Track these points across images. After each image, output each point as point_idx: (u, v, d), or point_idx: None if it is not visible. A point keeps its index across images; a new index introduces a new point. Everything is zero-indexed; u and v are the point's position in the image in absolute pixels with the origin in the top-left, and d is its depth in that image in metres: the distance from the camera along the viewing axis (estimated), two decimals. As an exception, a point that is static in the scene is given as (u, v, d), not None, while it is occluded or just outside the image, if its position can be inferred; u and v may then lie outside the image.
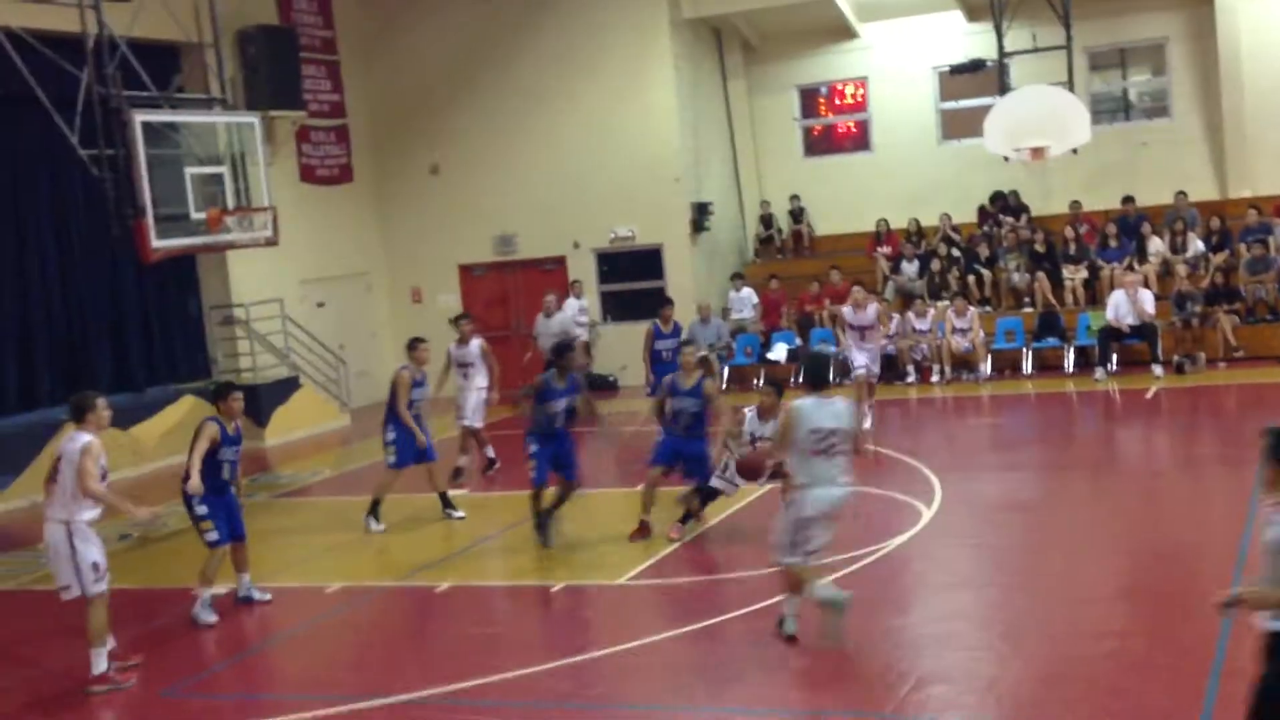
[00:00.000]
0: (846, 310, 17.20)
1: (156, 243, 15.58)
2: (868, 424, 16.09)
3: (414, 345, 14.18)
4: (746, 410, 12.14)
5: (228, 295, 21.42)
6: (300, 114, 22.36)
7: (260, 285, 21.52)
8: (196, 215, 16.12)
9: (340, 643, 10.58)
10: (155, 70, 17.41)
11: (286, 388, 21.34)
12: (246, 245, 17.63)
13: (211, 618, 10.92)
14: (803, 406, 8.87)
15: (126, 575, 11.92)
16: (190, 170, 16.12)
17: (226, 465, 11.07)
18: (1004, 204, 23.03)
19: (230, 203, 16.62)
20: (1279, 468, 5.73)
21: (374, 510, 13.93)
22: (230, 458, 11.08)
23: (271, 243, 17.56)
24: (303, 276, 22.80)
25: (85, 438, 9.53)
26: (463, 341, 15.85)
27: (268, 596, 11.50)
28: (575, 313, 23.31)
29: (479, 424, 15.98)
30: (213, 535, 10.96)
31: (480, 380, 15.76)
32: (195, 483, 10.75)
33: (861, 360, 16.89)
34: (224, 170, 16.70)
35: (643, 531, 12.31)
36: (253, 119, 17.58)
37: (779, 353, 21.79)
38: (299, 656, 10.42)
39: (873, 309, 17.05)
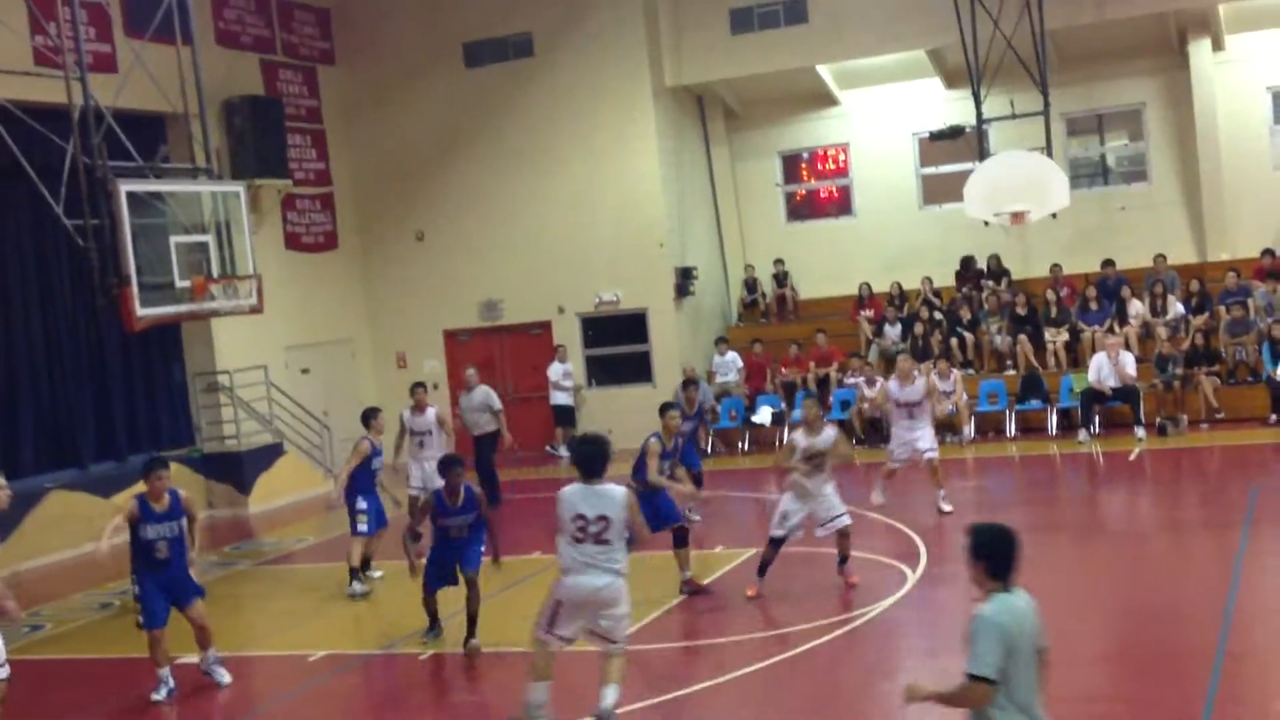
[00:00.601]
0: (892, 385, 15.69)
1: (141, 311, 15.55)
2: (947, 507, 15.22)
3: (372, 415, 14.56)
4: (795, 435, 12.42)
5: (212, 362, 21.43)
6: (285, 182, 22.51)
7: (245, 352, 21.54)
8: (181, 283, 16.11)
9: (324, 711, 10.49)
10: (141, 140, 17.48)
11: (270, 454, 21.29)
12: (231, 313, 17.61)
13: (160, 695, 10.67)
14: (566, 492, 8.78)
15: (108, 645, 11.84)
16: (175, 239, 16.13)
17: (162, 544, 10.58)
18: (976, 270, 23.19)
19: (215, 271, 16.63)
20: (978, 565, 5.68)
21: (355, 576, 14.02)
22: (161, 535, 10.58)
23: (256, 310, 17.55)
24: (287, 343, 22.83)
25: None
26: (418, 409, 15.80)
27: (226, 678, 11.08)
28: (560, 376, 23.41)
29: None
30: (140, 618, 10.72)
31: (435, 450, 15.55)
32: (102, 548, 10.46)
33: (921, 444, 15.34)
34: (209, 239, 16.71)
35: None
36: (238, 188, 17.65)
37: (764, 416, 21.83)
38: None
39: (921, 383, 15.57)
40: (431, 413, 15.93)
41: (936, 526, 14.84)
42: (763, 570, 12.25)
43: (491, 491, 17.25)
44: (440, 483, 15.76)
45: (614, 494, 8.79)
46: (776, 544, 12.26)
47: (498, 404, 18.61)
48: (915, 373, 15.81)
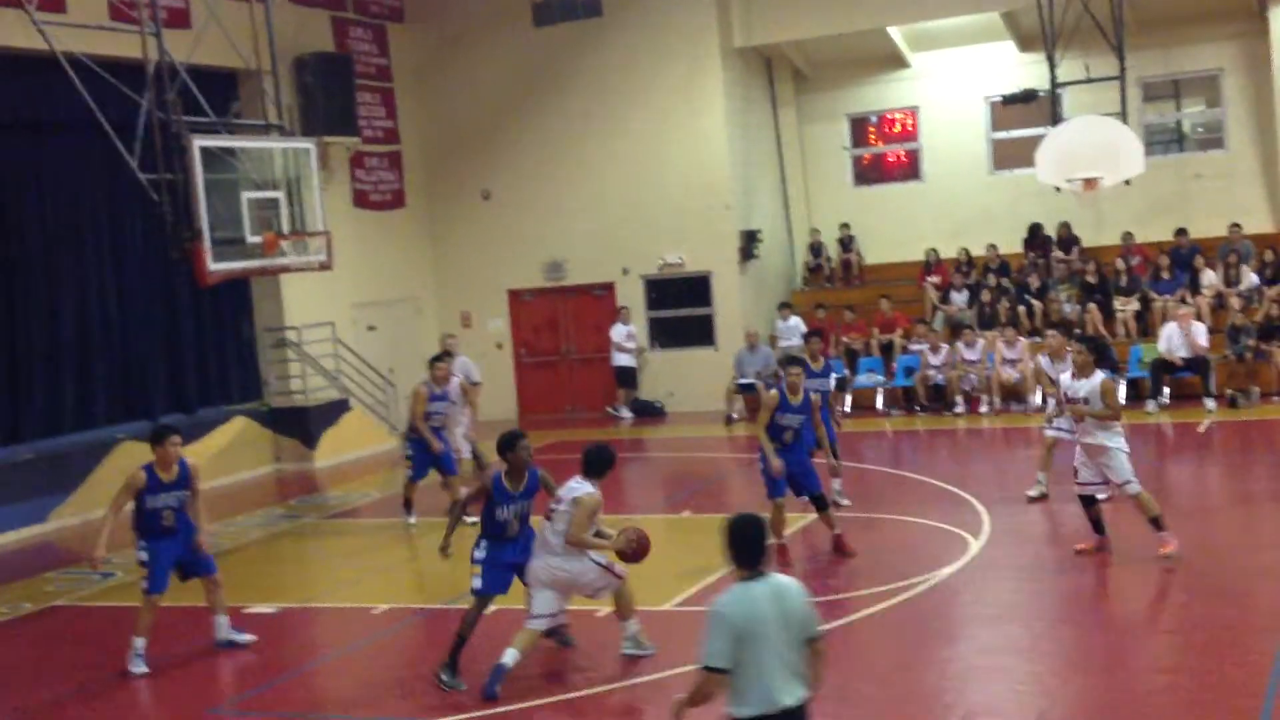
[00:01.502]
0: (1044, 361, 14.43)
1: (213, 266, 15.79)
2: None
3: (434, 363, 15.09)
4: (1062, 375, 11.94)
5: (280, 318, 21.67)
6: (355, 140, 22.65)
7: (312, 308, 21.77)
8: (252, 239, 16.33)
9: (387, 664, 10.64)
10: (214, 96, 17.70)
11: (336, 410, 21.54)
12: (300, 269, 17.84)
13: (142, 668, 10.52)
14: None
15: (175, 594, 12.04)
16: (247, 195, 16.33)
17: (168, 512, 10.56)
18: (1044, 237, 22.90)
19: (285, 227, 16.82)
20: (727, 555, 5.89)
21: (407, 508, 15.06)
22: (166, 504, 10.55)
23: (325, 267, 17.75)
24: (354, 300, 23.03)
25: None
26: (441, 381, 15.17)
27: (250, 638, 11.07)
28: (623, 338, 23.45)
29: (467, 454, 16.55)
30: (144, 583, 10.57)
31: (462, 420, 16.24)
32: (100, 550, 10.39)
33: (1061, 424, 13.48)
34: (279, 195, 16.91)
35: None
36: (308, 145, 17.81)
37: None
38: (345, 677, 10.49)
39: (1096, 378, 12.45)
40: (455, 383, 15.70)
41: (998, 494, 14.73)
42: (1098, 527, 11.77)
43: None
44: (465, 452, 16.06)
45: (575, 485, 9.56)
46: (1084, 502, 11.80)
47: (477, 376, 18.30)
48: (1069, 351, 12.81)
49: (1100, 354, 11.52)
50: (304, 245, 17.04)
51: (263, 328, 21.85)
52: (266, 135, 17.74)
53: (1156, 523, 11.44)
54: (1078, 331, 15.11)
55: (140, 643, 10.57)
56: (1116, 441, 11.48)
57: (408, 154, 24.70)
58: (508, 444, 9.76)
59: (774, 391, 12.37)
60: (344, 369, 22.18)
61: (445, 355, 15.50)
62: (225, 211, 16.06)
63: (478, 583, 9.81)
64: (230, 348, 21.61)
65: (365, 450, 21.47)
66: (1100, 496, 11.88)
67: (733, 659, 5.71)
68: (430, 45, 24.84)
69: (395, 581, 13.33)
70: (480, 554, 9.84)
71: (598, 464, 9.67)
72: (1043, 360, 14.69)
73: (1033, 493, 14.14)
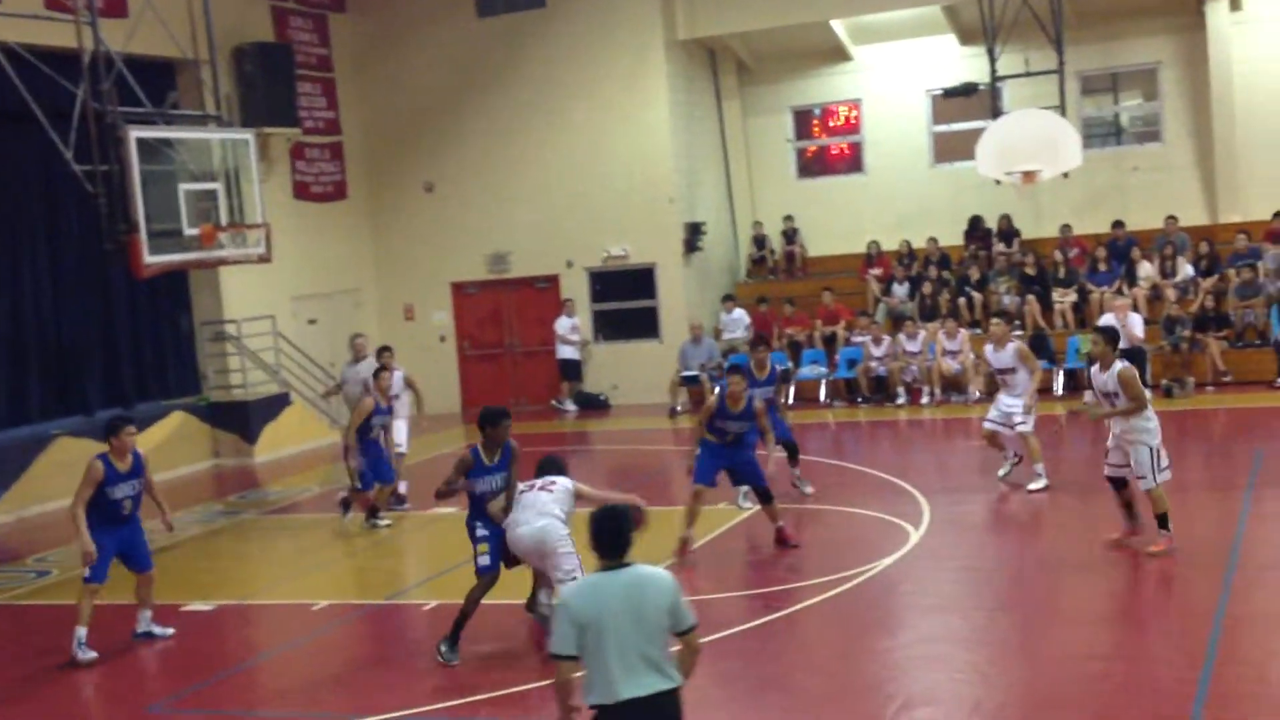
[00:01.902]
0: (988, 349, 14.64)
1: (149, 258, 15.58)
2: (1002, 472, 14.56)
3: (378, 375, 14.84)
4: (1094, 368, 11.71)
5: (219, 311, 21.44)
6: (295, 131, 22.42)
7: (252, 301, 21.55)
8: (190, 231, 16.13)
9: (327, 660, 10.56)
10: (151, 86, 17.44)
11: (277, 404, 21.34)
12: (239, 261, 17.64)
13: (90, 655, 10.52)
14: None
15: (113, 591, 11.90)
16: (184, 186, 16.13)
17: (127, 501, 10.67)
18: (984, 229, 23.12)
19: (224, 219, 16.63)
20: (592, 546, 5.96)
21: (372, 514, 14.63)
22: (126, 494, 10.65)
23: (264, 259, 17.57)
24: (295, 293, 22.82)
25: None
26: (385, 394, 14.97)
27: (169, 631, 11.09)
28: (567, 331, 23.41)
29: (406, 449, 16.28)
30: (86, 572, 10.56)
31: (405, 410, 16.12)
32: (85, 541, 10.39)
33: (993, 414, 14.36)
34: (218, 186, 16.71)
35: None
36: (247, 135, 17.62)
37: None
38: (285, 674, 10.40)
39: (1011, 348, 14.20)
40: (399, 375, 15.63)
41: (938, 485, 14.85)
42: (1129, 513, 11.59)
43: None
44: (401, 446, 15.85)
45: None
46: (1114, 485, 11.67)
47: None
48: (1009, 340, 14.35)
49: (1116, 343, 11.37)
50: (243, 237, 16.86)
51: (201, 321, 21.61)
52: (204, 126, 17.53)
53: (1162, 520, 11.27)
54: (1100, 325, 14.97)
55: (82, 632, 10.53)
56: (1145, 433, 11.19)
57: (349, 145, 24.49)
58: (491, 419, 10.05)
59: (714, 398, 12.36)
60: (284, 363, 21.97)
61: (382, 370, 14.93)
62: (162, 203, 15.85)
63: (485, 560, 10.00)
64: (168, 341, 21.36)
65: (306, 445, 21.29)
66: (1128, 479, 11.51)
67: (578, 647, 5.80)
68: (372, 35, 24.65)
69: (335, 577, 13.24)
70: (483, 531, 10.02)
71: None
72: (987, 349, 14.81)
73: (1002, 472, 14.57)
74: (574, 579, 9.27)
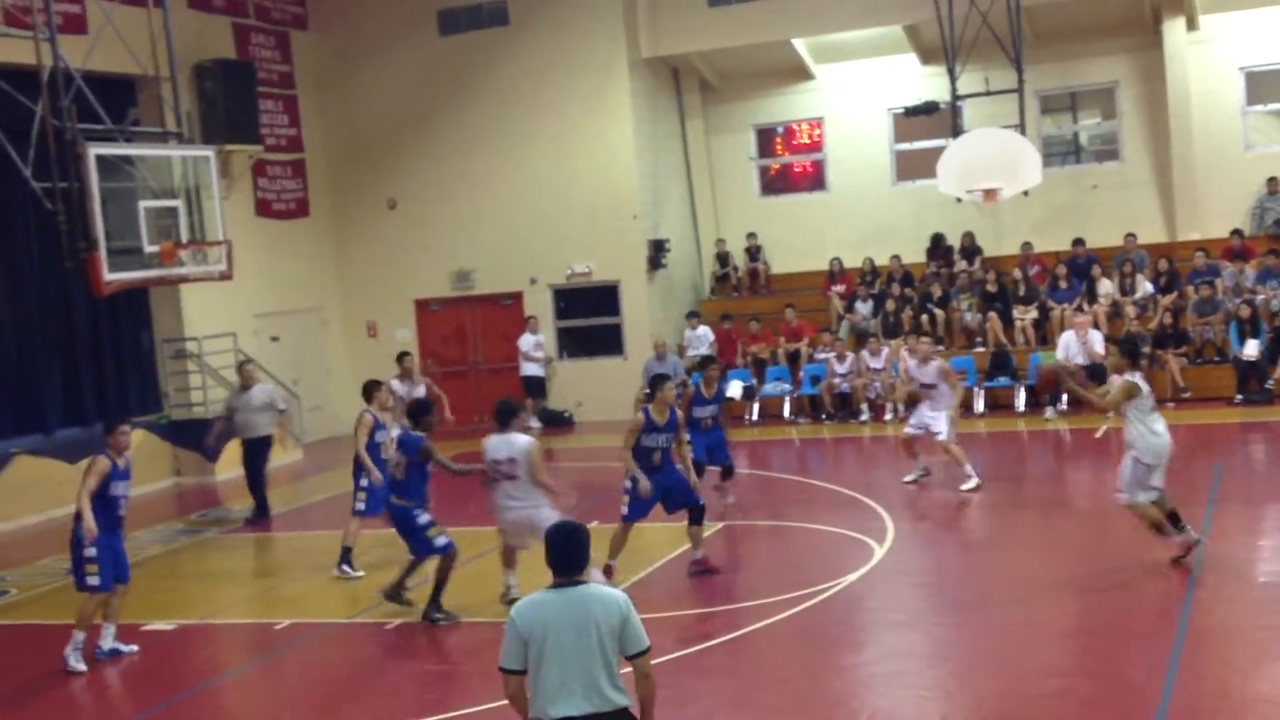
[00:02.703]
0: (911, 364, 15.63)
1: (109, 275, 15.44)
2: (910, 477, 15.52)
3: (374, 388, 13.85)
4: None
5: (180, 329, 21.28)
6: (257, 148, 22.33)
7: (214, 319, 21.41)
8: (150, 248, 16.00)
9: (290, 680, 10.49)
10: (111, 103, 17.30)
11: (239, 422, 21.14)
12: (200, 279, 17.50)
13: (82, 665, 10.57)
14: (486, 442, 11.15)
15: (72, 611, 11.76)
16: (144, 204, 16.01)
17: (123, 501, 10.85)
18: (946, 247, 23.28)
19: (184, 236, 16.51)
20: (547, 561, 6.01)
21: (345, 558, 13.39)
22: (122, 492, 10.81)
23: (225, 276, 17.45)
24: (257, 310, 22.70)
25: None
26: (407, 377, 16.11)
27: (134, 649, 11.08)
28: (531, 348, 23.37)
29: None
30: (95, 580, 10.60)
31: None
32: (89, 523, 10.41)
33: (914, 421, 15.39)
34: (179, 204, 16.58)
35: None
36: (208, 153, 17.51)
37: (735, 390, 21.81)
38: (248, 694, 10.32)
39: (934, 365, 15.22)
40: (422, 382, 16.35)
41: (902, 501, 14.92)
42: (1175, 522, 11.32)
43: (261, 504, 16.77)
44: None
45: (519, 441, 11.03)
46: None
47: (282, 404, 17.07)
48: (932, 359, 15.35)
49: (1132, 356, 11.41)
50: (204, 255, 16.73)
51: (162, 338, 21.44)
52: (165, 143, 17.41)
53: (1158, 529, 11.25)
54: (1129, 332, 15.49)
55: (80, 636, 10.64)
56: (1134, 449, 11.15)
57: (311, 162, 24.41)
58: (423, 410, 11.49)
59: (639, 414, 11.89)
60: (247, 380, 21.79)
61: (377, 384, 14.08)
62: (123, 220, 15.72)
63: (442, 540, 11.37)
64: (129, 359, 21.18)
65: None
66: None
67: (522, 662, 5.83)
68: (334, 53, 24.60)
69: (297, 596, 13.13)
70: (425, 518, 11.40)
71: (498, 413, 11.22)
72: (910, 364, 15.66)
73: (909, 477, 15.43)
74: None
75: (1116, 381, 11.31)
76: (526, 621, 5.81)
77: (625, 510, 11.87)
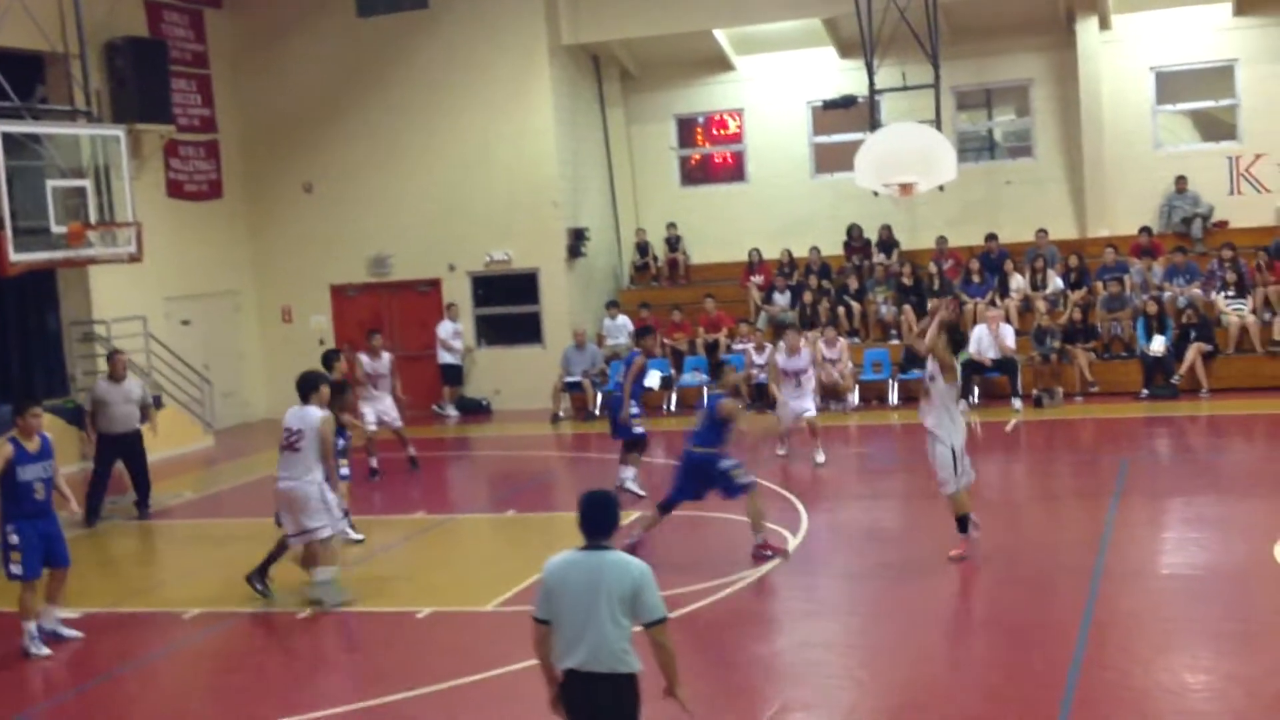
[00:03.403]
0: (780, 357, 17.13)
1: (15, 256, 15.18)
2: (821, 458, 16.61)
3: (334, 358, 14.51)
4: None
5: (89, 311, 20.85)
6: (169, 128, 21.92)
7: (123, 302, 20.99)
8: (57, 229, 15.74)
9: (198, 670, 10.34)
10: (18, 80, 16.93)
11: (149, 407, 20.79)
12: (109, 260, 17.23)
13: (44, 650, 10.49)
14: (288, 413, 11.30)
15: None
16: (52, 183, 15.73)
17: (39, 485, 10.52)
18: (864, 239, 23.48)
19: (93, 217, 16.24)
20: (579, 525, 6.33)
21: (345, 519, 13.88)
22: (37, 475, 10.51)
23: (135, 258, 17.18)
24: (168, 293, 22.30)
25: None
26: (375, 354, 17.33)
27: (78, 634, 10.93)
28: (450, 335, 23.23)
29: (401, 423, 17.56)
30: (17, 569, 10.40)
31: (385, 392, 17.35)
32: None
33: (801, 406, 16.79)
34: (87, 184, 16.31)
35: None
36: (118, 132, 17.23)
37: (653, 380, 21.87)
38: (154, 684, 10.15)
39: (806, 354, 17.04)
40: (387, 358, 17.36)
41: (817, 492, 15.04)
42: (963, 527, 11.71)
43: (144, 498, 16.33)
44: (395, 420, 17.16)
45: (312, 413, 11.15)
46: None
47: (149, 396, 16.64)
48: (801, 344, 17.04)
49: (912, 355, 11.98)
50: (112, 236, 16.49)
51: (69, 321, 20.99)
52: (73, 121, 17.08)
53: (964, 523, 11.70)
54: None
55: (33, 626, 10.53)
56: (944, 438, 11.58)
57: (226, 144, 24.03)
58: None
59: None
60: (157, 365, 21.45)
61: (335, 354, 14.63)
62: (29, 200, 15.46)
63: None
64: (35, 342, 20.74)
65: (180, 449, 20.78)
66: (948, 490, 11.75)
67: (548, 614, 6.19)
68: (250, 32, 24.22)
69: (207, 585, 12.94)
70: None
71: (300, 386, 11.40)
72: (779, 356, 17.06)
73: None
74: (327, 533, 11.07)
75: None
76: (551, 577, 6.21)
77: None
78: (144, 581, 13.39)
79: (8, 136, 15.09)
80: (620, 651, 6.08)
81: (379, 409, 17.21)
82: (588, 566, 6.14)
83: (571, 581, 6.13)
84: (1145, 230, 22.01)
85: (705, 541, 13.09)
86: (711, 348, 22.62)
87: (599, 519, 6.26)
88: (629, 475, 14.77)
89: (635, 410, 14.97)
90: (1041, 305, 21.14)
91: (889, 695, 8.80)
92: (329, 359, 14.33)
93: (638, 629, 6.14)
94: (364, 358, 17.36)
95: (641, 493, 14.74)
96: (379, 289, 24.36)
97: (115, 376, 15.78)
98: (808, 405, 16.82)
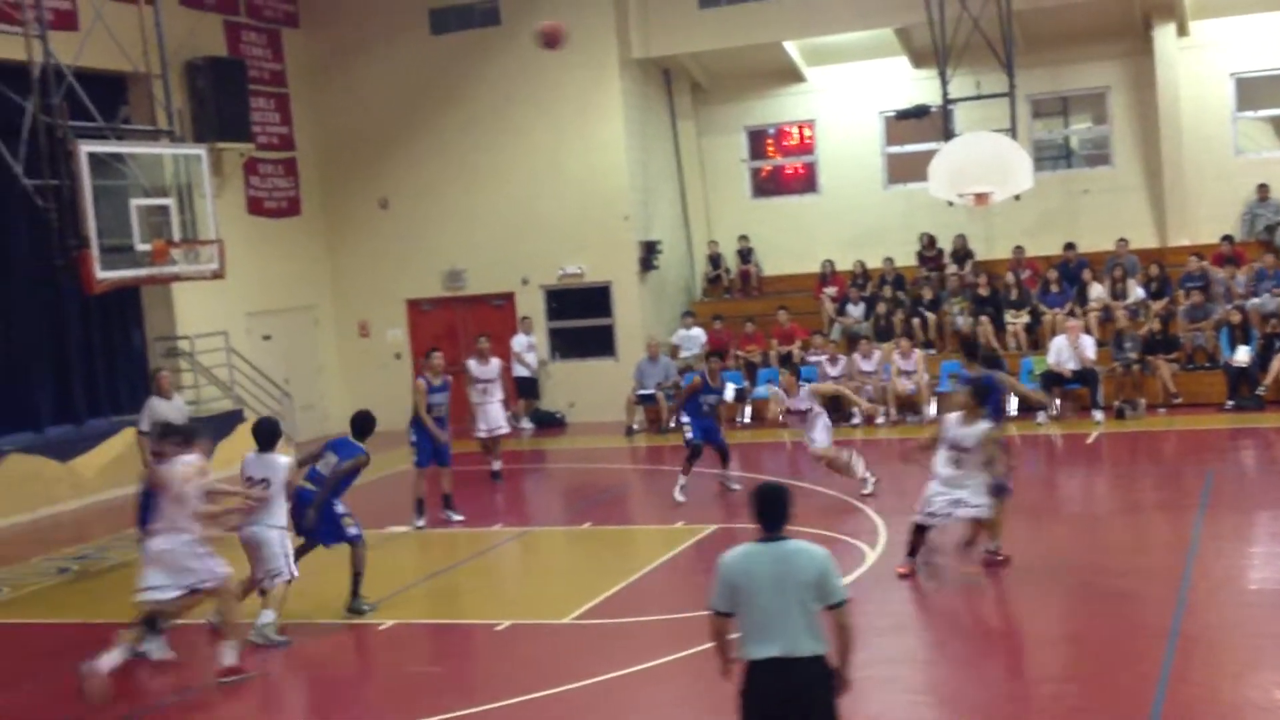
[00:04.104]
0: (782, 396, 16.10)
1: (101, 274, 15.46)
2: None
3: (430, 355, 15.59)
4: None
5: (172, 327, 21.24)
6: (248, 146, 22.29)
7: (205, 318, 21.36)
8: (142, 247, 16.02)
9: (280, 682, 10.45)
10: (102, 100, 17.31)
11: (230, 421, 21.05)
12: (192, 277, 17.52)
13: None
14: (247, 460, 11.38)
15: (62, 610, 11.73)
16: (136, 202, 16.02)
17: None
18: (938, 250, 23.31)
19: (176, 234, 16.53)
20: (754, 517, 6.54)
21: (418, 508, 15.03)
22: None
23: (217, 275, 17.46)
24: (249, 309, 22.66)
25: None
26: (483, 359, 17.57)
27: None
28: (524, 349, 23.35)
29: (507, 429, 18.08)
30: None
31: (495, 397, 17.55)
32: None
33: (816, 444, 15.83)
34: (170, 202, 16.60)
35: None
36: (199, 151, 17.53)
37: (727, 392, 21.85)
38: (240, 696, 10.28)
39: (804, 391, 15.78)
40: (495, 363, 17.62)
41: (898, 508, 14.91)
42: (913, 551, 11.82)
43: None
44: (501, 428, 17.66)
45: (280, 460, 11.22)
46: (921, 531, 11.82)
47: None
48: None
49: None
50: (195, 253, 16.77)
51: (154, 337, 21.39)
52: (156, 141, 17.41)
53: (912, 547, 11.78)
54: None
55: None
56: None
57: (303, 161, 24.38)
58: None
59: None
60: (238, 379, 21.79)
61: (434, 350, 15.84)
62: (114, 218, 15.74)
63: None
64: (120, 357, 21.12)
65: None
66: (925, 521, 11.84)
67: (729, 606, 6.42)
68: (326, 51, 24.56)
69: (288, 597, 13.07)
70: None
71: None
72: (781, 395, 16.13)
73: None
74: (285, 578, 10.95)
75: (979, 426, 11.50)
76: (732, 571, 6.42)
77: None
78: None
79: (93, 156, 15.39)
80: (812, 635, 6.30)
81: (489, 417, 17.45)
82: (772, 557, 6.37)
83: (758, 574, 6.33)
84: (1227, 238, 21.65)
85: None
86: (785, 359, 22.53)
87: (775, 510, 6.47)
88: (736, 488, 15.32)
89: (684, 419, 15.90)
90: (1122, 315, 20.83)
91: (970, 712, 8.70)
92: (429, 355, 15.52)
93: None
94: (472, 363, 17.60)
95: (681, 498, 15.18)
96: (453, 303, 24.57)
97: (163, 393, 15.29)
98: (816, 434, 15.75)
